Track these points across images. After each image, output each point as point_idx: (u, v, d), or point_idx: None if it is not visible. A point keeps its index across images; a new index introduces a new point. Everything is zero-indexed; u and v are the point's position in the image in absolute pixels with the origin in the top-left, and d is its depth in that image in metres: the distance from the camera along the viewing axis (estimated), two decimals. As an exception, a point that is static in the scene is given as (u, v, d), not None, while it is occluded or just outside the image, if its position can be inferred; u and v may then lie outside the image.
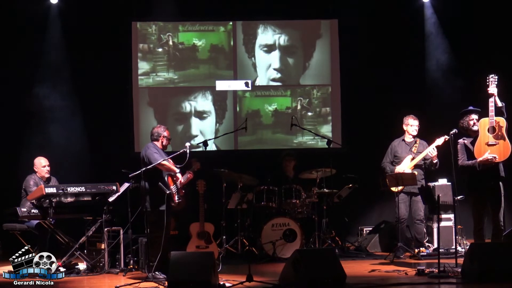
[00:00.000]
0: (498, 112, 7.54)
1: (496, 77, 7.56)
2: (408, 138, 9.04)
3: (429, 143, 8.77)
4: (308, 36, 11.11)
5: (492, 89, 7.53)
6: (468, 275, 6.94)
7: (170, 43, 10.92)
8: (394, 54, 10.79)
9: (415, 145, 8.96)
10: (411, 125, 8.99)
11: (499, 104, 7.56)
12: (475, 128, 7.69)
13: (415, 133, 8.99)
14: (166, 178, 7.65)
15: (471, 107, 7.85)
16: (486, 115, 7.54)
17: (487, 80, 7.56)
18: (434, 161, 8.72)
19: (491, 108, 7.49)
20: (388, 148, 9.14)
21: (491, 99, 7.51)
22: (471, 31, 10.65)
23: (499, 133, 7.52)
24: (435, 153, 8.65)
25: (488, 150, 7.49)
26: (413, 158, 8.85)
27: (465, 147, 7.75)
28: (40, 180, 8.70)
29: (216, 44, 10.99)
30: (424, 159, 8.82)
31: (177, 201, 7.65)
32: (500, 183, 7.65)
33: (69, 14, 10.46)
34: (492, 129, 7.53)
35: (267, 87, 11.04)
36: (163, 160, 7.55)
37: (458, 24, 10.72)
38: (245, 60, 11.04)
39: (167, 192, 7.51)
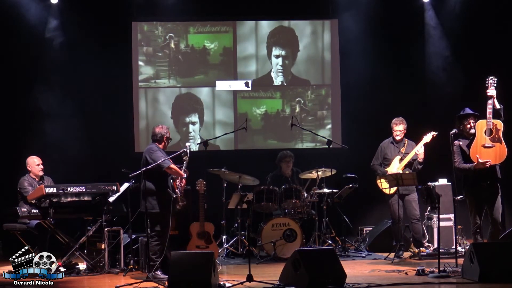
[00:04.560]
0: (496, 114, 7.52)
1: (495, 79, 7.55)
2: (397, 138, 8.98)
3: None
4: (308, 36, 11.09)
5: (491, 91, 7.52)
6: (468, 275, 6.95)
7: (172, 45, 10.87)
8: (394, 54, 10.80)
9: (403, 146, 8.91)
10: (393, 129, 8.92)
11: (497, 106, 7.56)
12: (472, 131, 7.67)
13: (398, 138, 8.91)
14: (171, 182, 7.67)
15: (467, 109, 7.82)
16: (484, 117, 7.53)
17: (486, 82, 7.56)
18: (420, 161, 8.67)
19: (489, 110, 7.48)
20: (377, 150, 9.10)
21: (490, 101, 7.50)
22: (471, 31, 10.64)
23: (496, 136, 7.51)
24: (422, 151, 8.60)
25: (482, 154, 7.47)
26: (401, 159, 8.82)
27: (461, 150, 7.74)
28: (34, 180, 8.67)
29: (229, 47, 10.92)
30: (412, 159, 8.77)
31: (181, 203, 7.69)
32: (497, 183, 7.65)
33: (69, 14, 10.45)
34: (489, 132, 7.51)
35: (257, 88, 10.93)
36: (172, 164, 7.57)
37: (458, 24, 10.71)
38: (252, 60, 11.01)
39: (174, 196, 7.54)
